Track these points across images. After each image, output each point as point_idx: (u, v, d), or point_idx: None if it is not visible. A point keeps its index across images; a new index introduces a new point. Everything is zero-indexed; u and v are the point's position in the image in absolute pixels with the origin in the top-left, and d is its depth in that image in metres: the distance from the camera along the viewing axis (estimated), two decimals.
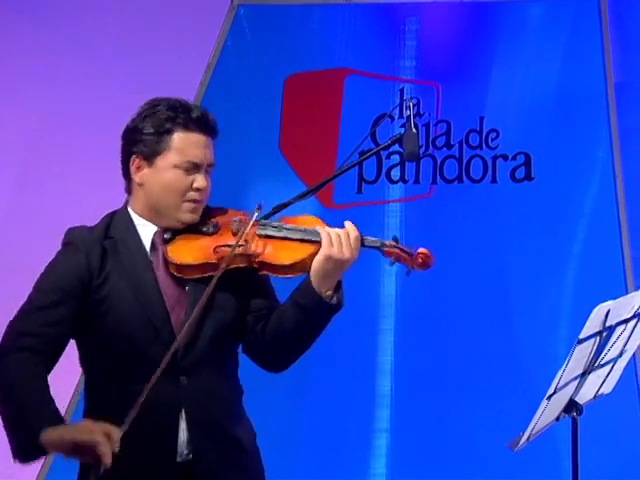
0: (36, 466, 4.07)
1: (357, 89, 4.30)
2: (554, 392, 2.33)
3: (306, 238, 2.24)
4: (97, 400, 2.27)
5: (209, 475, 2.23)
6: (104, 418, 2.09)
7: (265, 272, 2.25)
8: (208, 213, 2.33)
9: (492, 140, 4.30)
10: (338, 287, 2.23)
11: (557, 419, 2.50)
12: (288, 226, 2.29)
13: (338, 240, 2.19)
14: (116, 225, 2.29)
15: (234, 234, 2.26)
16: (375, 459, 4.21)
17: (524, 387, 3.88)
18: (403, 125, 2.55)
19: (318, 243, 2.22)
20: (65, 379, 4.16)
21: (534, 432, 2.40)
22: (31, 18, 4.61)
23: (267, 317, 2.30)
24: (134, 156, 2.27)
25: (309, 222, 2.30)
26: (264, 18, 4.33)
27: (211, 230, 2.29)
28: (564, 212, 4.26)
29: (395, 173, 4.31)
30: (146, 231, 2.29)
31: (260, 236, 2.26)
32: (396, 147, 2.60)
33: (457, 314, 4.21)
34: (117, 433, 2.02)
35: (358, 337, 4.14)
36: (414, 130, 2.46)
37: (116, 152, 4.85)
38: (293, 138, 4.16)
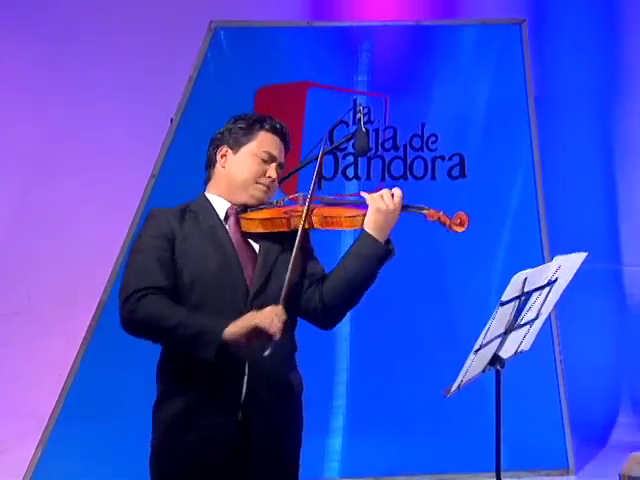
0: (22, 467, 4.04)
1: (318, 100, 4.37)
2: (480, 348, 2.42)
3: (359, 202, 2.44)
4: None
5: (260, 408, 2.35)
6: (183, 359, 2.30)
7: (330, 227, 2.40)
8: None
9: (432, 143, 4.44)
10: (387, 242, 2.41)
11: (483, 371, 2.59)
12: (341, 198, 2.51)
13: (382, 197, 2.39)
14: (193, 204, 2.47)
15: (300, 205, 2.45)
16: (334, 417, 4.36)
17: (459, 351, 4.03)
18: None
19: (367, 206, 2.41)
20: (56, 368, 4.24)
21: (464, 382, 2.48)
22: (37, 37, 4.71)
23: (320, 281, 2.44)
24: (223, 146, 2.48)
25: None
26: (239, 38, 4.34)
27: (281, 203, 2.48)
28: (493, 205, 4.43)
29: (350, 171, 4.43)
30: (220, 207, 2.46)
31: (322, 202, 2.48)
32: (351, 149, 2.72)
33: (403, 292, 4.34)
34: (280, 309, 2.23)
35: None
36: (364, 130, 2.59)
37: (105, 157, 4.90)
38: None
